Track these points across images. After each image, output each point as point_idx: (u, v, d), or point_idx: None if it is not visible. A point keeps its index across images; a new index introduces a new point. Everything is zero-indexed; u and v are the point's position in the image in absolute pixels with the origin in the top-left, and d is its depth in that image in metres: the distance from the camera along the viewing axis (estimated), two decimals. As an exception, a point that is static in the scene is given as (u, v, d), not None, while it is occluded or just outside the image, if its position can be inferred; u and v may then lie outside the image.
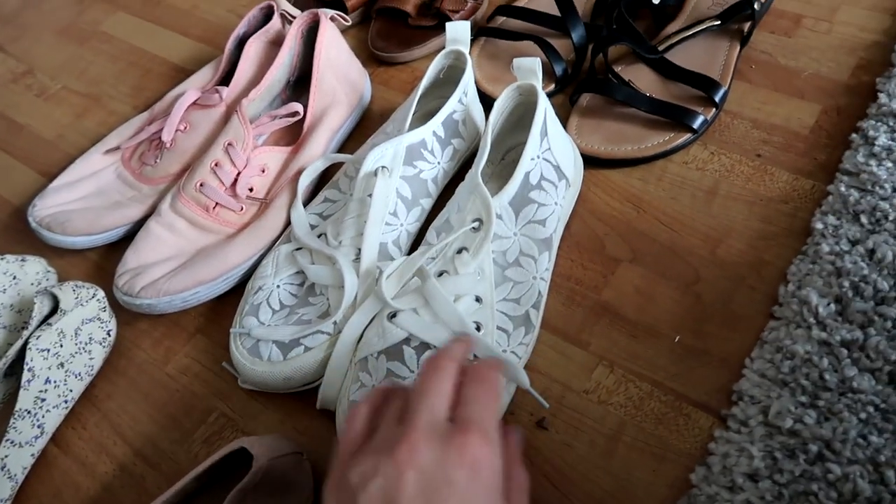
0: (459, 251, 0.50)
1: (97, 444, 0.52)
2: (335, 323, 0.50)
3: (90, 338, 0.54)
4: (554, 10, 0.69)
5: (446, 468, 0.33)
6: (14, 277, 0.57)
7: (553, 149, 0.54)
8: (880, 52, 0.63)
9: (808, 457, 0.41)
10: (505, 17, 0.71)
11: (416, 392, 0.37)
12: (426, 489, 0.33)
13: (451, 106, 0.57)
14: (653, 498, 0.44)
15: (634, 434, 0.46)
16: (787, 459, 0.42)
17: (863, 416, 0.42)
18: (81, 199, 0.63)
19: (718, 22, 0.64)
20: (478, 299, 0.49)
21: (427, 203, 0.57)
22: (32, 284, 0.58)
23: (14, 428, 0.49)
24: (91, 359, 0.53)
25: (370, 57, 0.75)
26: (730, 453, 0.43)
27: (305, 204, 0.59)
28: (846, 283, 0.47)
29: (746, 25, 0.64)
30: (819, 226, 0.51)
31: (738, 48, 0.64)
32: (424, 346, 0.48)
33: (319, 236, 0.55)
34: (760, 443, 0.43)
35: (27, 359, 0.50)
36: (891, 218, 0.50)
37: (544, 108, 0.53)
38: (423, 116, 0.63)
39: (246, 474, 0.41)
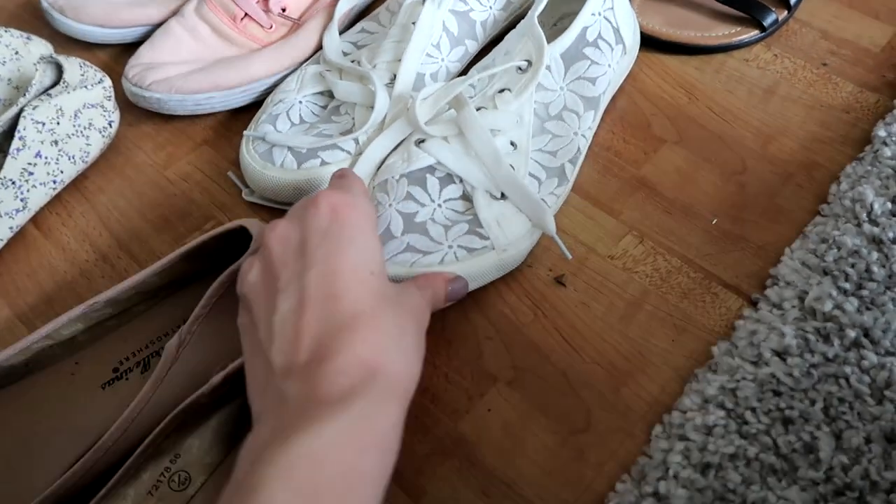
0: (501, 91, 0.46)
1: (81, 232, 0.48)
2: (357, 142, 0.46)
3: (90, 123, 0.50)
4: None
5: (306, 222, 0.34)
6: (16, 52, 0.52)
7: (616, 9, 0.50)
8: (964, -12, 0.60)
9: (844, 342, 0.39)
10: None
11: None
12: (295, 248, 0.33)
13: (512, -49, 0.53)
14: (668, 366, 0.41)
15: (657, 304, 0.43)
16: (820, 342, 0.39)
17: (907, 311, 0.40)
18: (100, -8, 0.58)
19: (802, -71, 0.60)
20: (513, 144, 0.45)
21: (472, 46, 0.53)
22: (35, 65, 0.53)
23: (-5, 193, 0.45)
24: (88, 144, 0.49)
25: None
26: (759, 331, 0.40)
27: (341, 33, 0.55)
28: (906, 186, 0.44)
29: (830, -61, 0.60)
30: (882, 133, 0.48)
31: (819, -41, 0.60)
32: (449, 177, 0.44)
33: (352, 63, 0.51)
34: (793, 324, 0.40)
35: (19, 126, 0.46)
36: (960, 134, 0.47)
37: (614, -37, 0.49)
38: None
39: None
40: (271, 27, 0.55)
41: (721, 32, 0.56)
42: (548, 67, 0.47)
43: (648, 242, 0.46)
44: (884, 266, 0.41)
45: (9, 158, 0.46)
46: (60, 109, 0.48)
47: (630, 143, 0.51)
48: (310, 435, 0.26)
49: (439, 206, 0.44)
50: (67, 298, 0.45)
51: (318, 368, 0.29)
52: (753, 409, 0.37)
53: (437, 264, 0.41)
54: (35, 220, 0.49)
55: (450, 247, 0.42)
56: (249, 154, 0.47)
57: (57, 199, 0.50)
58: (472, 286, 0.42)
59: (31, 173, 0.47)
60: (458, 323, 0.43)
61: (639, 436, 0.38)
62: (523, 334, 0.42)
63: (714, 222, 0.47)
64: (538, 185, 0.45)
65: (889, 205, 0.44)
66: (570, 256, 0.43)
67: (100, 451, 0.35)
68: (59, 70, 0.49)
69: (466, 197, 0.44)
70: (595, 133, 0.51)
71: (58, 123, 0.48)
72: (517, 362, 0.41)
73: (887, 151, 0.47)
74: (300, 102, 0.49)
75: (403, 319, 0.33)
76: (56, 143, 0.48)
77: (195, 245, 0.39)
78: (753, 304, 0.43)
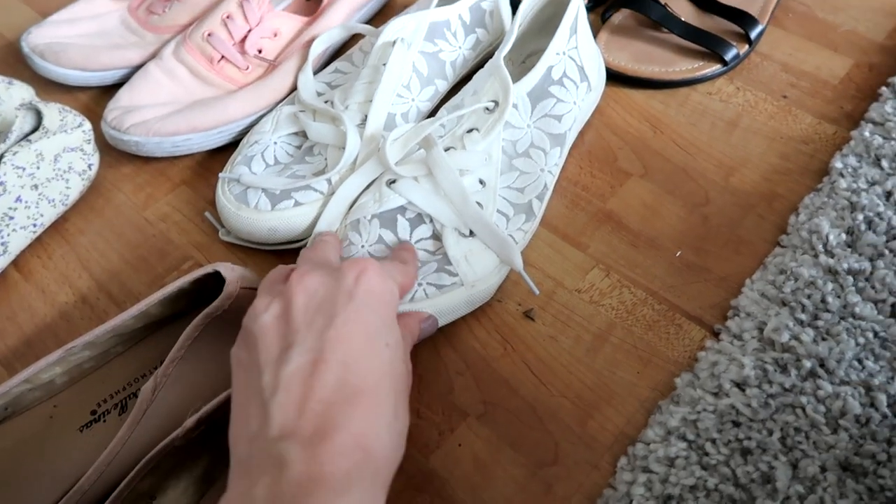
0: (470, 131, 0.48)
1: (61, 275, 0.49)
2: (329, 182, 0.48)
3: (70, 167, 0.51)
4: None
5: (338, 282, 0.34)
6: (-2, 97, 0.54)
7: (580, 48, 0.52)
8: (919, 20, 0.62)
9: (801, 372, 0.40)
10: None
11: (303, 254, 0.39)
12: (320, 303, 0.33)
13: (481, -8, 0.55)
14: (634, 397, 0.42)
15: (623, 336, 0.44)
16: (778, 372, 0.40)
17: (861, 340, 0.41)
18: (80, 36, 0.59)
19: (762, -35, 0.62)
20: (481, 182, 0.47)
21: (442, 86, 0.54)
22: (16, 110, 0.54)
23: (-24, 238, 0.46)
24: (68, 188, 0.51)
25: (400, -46, 0.72)
26: (719, 362, 0.41)
27: (315, 73, 0.57)
28: (860, 217, 0.46)
29: (789, -26, 0.63)
30: (838, 165, 0.50)
31: (779, -7, 0.62)
32: (419, 218, 0.46)
33: (325, 103, 0.53)
34: (752, 355, 0.41)
35: (0, 172, 0.47)
36: (913, 165, 0.49)
37: (578, 5, 0.51)
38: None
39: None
40: (248, 68, 0.56)
41: (684, 67, 0.57)
42: (515, 106, 0.48)
43: (615, 275, 0.47)
44: (839, 297, 0.43)
45: (-11, 204, 0.47)
46: (40, 154, 0.49)
47: (597, 176, 0.53)
48: None
49: (410, 245, 0.45)
50: (47, 340, 0.46)
51: (321, 444, 0.29)
52: (713, 441, 0.38)
53: (407, 301, 0.42)
54: (16, 262, 0.50)
55: (419, 284, 0.43)
56: (225, 196, 0.48)
57: (37, 242, 0.51)
58: (443, 322, 0.44)
59: (11, 218, 0.48)
60: (429, 358, 0.44)
61: (605, 468, 0.40)
62: (493, 368, 0.43)
63: (678, 254, 0.48)
64: (506, 222, 0.47)
65: (844, 236, 0.46)
66: (537, 292, 0.45)
67: (77, 495, 0.36)
68: (40, 115, 0.50)
69: (436, 236, 0.45)
70: (563, 167, 0.53)
71: (38, 168, 0.49)
72: (487, 397, 0.42)
73: (843, 183, 0.48)
74: (275, 143, 0.51)
75: (399, 402, 0.34)
76: (36, 187, 0.49)
77: (172, 290, 0.40)
78: (715, 335, 0.44)
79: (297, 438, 0.29)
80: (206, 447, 0.38)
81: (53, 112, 0.50)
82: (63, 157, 0.51)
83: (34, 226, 0.49)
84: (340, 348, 0.32)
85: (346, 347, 0.32)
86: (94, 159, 0.53)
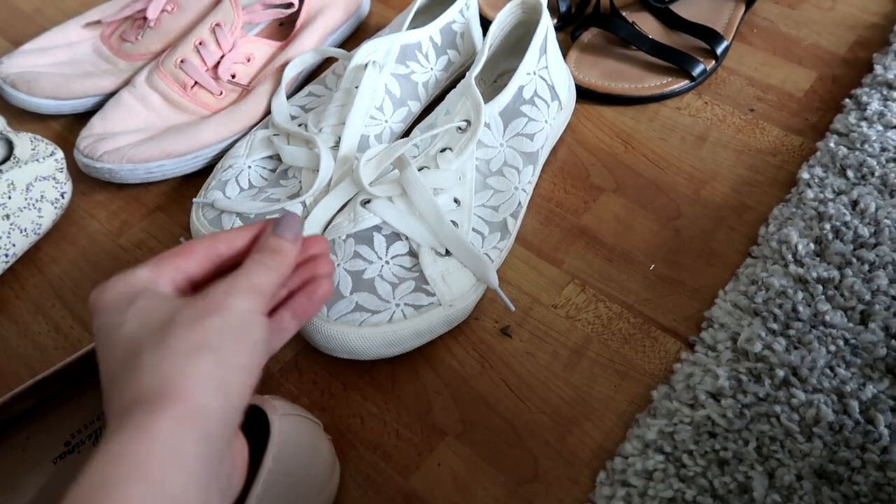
0: (443, 150, 0.48)
1: (34, 304, 0.49)
2: (304, 205, 0.48)
3: (42, 195, 0.50)
4: (565, -49, 0.68)
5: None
6: (-32, 128, 0.53)
7: (550, 68, 0.52)
8: (879, 33, 0.63)
9: (774, 381, 0.41)
10: (514, -44, 0.70)
11: None
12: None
13: (451, 14, 0.56)
14: (611, 411, 0.42)
15: (599, 350, 0.45)
16: (752, 382, 0.41)
17: (832, 348, 0.42)
18: (52, 65, 0.59)
19: (726, -17, 0.64)
20: (456, 201, 0.47)
21: (415, 106, 0.55)
22: (-13, 139, 0.54)
23: (-54, 269, 0.46)
24: (40, 217, 0.50)
25: (373, -22, 0.73)
26: (694, 373, 0.42)
27: (289, 97, 0.57)
28: (827, 227, 0.47)
29: (753, -9, 0.64)
30: (805, 175, 0.51)
31: (743, 10, 0.63)
32: (395, 235, 0.46)
33: (299, 126, 0.53)
34: (727, 366, 0.42)
35: (-30, 203, 0.47)
36: (877, 174, 0.50)
37: (546, 26, 0.52)
38: (421, 31, 0.61)
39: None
40: (221, 94, 0.56)
41: (653, 83, 0.59)
42: (487, 125, 0.49)
43: (590, 290, 0.48)
44: (809, 305, 0.44)
45: (-41, 235, 0.46)
46: (12, 184, 0.49)
47: (570, 192, 0.53)
48: None
49: (387, 262, 0.45)
50: (20, 371, 0.46)
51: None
52: (690, 452, 0.38)
53: (385, 322, 0.42)
54: (-13, 293, 0.49)
55: (397, 305, 0.43)
56: (199, 221, 0.48)
57: (10, 272, 0.50)
58: (421, 342, 0.44)
59: (-18, 248, 0.47)
60: (407, 379, 0.44)
61: (584, 483, 0.40)
62: (471, 387, 0.44)
63: (652, 268, 0.49)
64: (482, 240, 0.47)
65: (812, 245, 0.46)
66: (513, 309, 0.45)
67: (50, 529, 0.35)
68: (11, 145, 0.50)
69: (413, 253, 0.45)
70: (536, 184, 0.53)
71: (9, 197, 0.49)
72: (465, 415, 0.42)
73: (810, 193, 0.49)
74: (249, 167, 0.51)
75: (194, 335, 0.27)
76: (7, 217, 0.49)
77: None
78: (690, 346, 0.45)
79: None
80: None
81: (25, 141, 0.50)
82: (35, 187, 0.50)
83: (6, 256, 0.49)
84: None
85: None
86: (67, 188, 0.52)
